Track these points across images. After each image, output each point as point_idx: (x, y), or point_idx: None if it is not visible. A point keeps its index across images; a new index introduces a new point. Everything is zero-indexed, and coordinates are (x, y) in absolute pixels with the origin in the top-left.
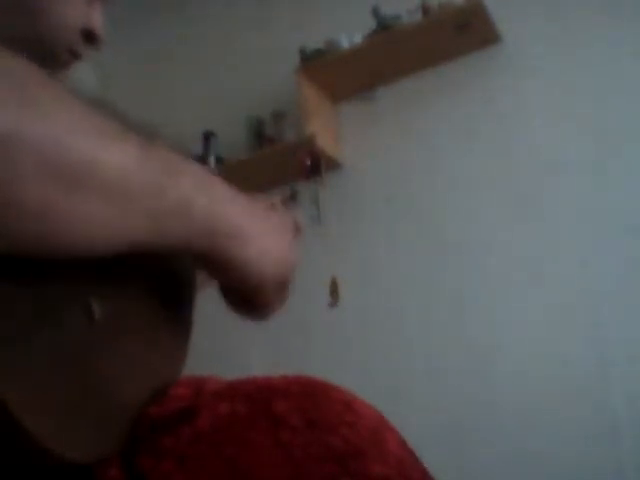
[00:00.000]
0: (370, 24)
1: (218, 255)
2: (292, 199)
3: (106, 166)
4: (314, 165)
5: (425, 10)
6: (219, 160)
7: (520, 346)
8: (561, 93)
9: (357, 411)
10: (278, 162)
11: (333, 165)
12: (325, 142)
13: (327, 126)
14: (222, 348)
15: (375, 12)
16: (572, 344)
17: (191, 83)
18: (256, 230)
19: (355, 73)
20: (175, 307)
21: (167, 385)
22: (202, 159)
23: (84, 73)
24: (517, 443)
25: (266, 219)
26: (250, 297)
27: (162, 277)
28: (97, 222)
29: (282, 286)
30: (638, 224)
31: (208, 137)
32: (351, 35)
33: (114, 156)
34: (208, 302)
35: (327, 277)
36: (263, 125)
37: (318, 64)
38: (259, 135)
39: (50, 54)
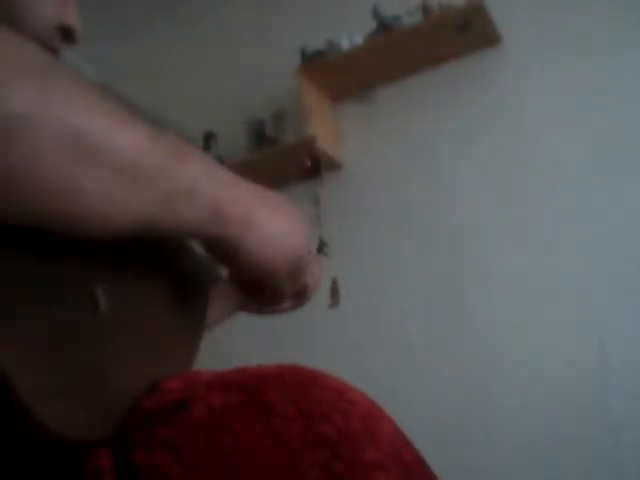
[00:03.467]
0: (370, 25)
1: (227, 242)
2: (319, 251)
3: (120, 147)
4: (314, 165)
5: (425, 11)
6: (219, 160)
7: (520, 346)
8: (561, 94)
9: (350, 399)
10: (278, 163)
11: (333, 165)
12: (325, 142)
13: (327, 126)
14: (222, 349)
15: (375, 13)
16: (572, 344)
17: (191, 83)
18: (264, 216)
19: (355, 73)
20: (186, 309)
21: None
22: None
23: (83, 73)
24: (517, 443)
25: (274, 205)
26: (260, 284)
27: (176, 279)
28: (112, 200)
29: (294, 273)
30: (638, 224)
31: (208, 138)
32: (351, 36)
33: (127, 138)
34: None
35: (327, 277)
36: (263, 126)
37: (318, 64)
38: (259, 136)
39: None
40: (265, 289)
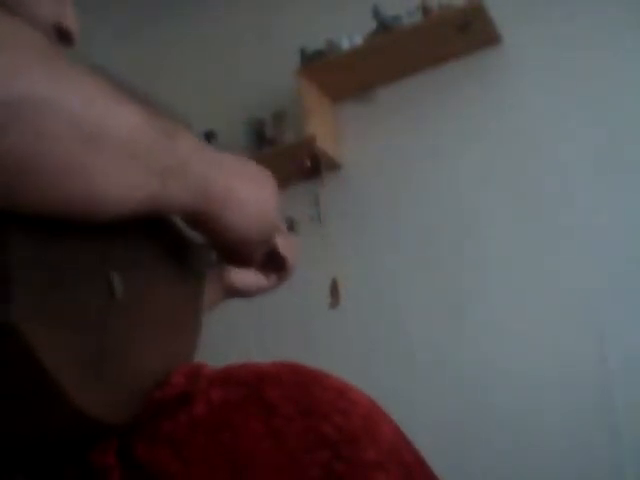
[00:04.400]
0: (370, 25)
1: (208, 217)
2: (290, 229)
3: (122, 126)
4: (314, 165)
5: (425, 11)
6: None
7: (520, 346)
8: (561, 93)
9: (350, 399)
10: (278, 163)
11: (333, 165)
12: (325, 142)
13: (327, 126)
14: (222, 349)
15: (375, 13)
16: (572, 344)
17: (191, 83)
18: (243, 192)
19: (355, 73)
20: (189, 291)
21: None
22: None
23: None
24: (517, 443)
25: (253, 179)
26: (235, 252)
27: (178, 262)
28: (114, 182)
29: (264, 242)
30: (638, 224)
31: (208, 138)
32: (351, 36)
33: (127, 118)
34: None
35: (327, 277)
36: (263, 126)
37: (318, 65)
38: (259, 136)
39: None
40: (238, 254)
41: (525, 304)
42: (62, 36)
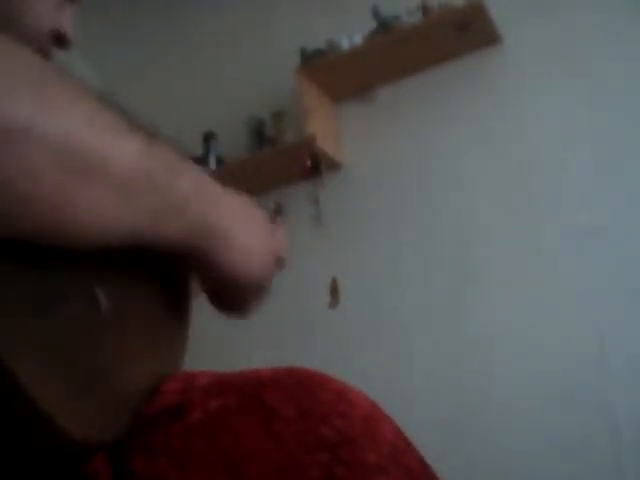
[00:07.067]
0: (370, 24)
1: (205, 256)
2: (277, 213)
3: (115, 160)
4: (314, 165)
5: (425, 10)
6: (219, 160)
7: (520, 346)
8: (561, 93)
9: (350, 400)
10: (278, 162)
11: (333, 165)
12: (325, 142)
13: (327, 126)
14: (222, 350)
15: (375, 12)
16: (572, 344)
17: (191, 83)
18: (241, 233)
19: (355, 73)
20: (174, 304)
21: (165, 378)
22: (202, 160)
23: (84, 73)
24: (517, 443)
25: (252, 221)
26: (229, 297)
27: (163, 275)
28: (102, 215)
29: (260, 288)
30: (638, 224)
31: (208, 138)
32: (351, 35)
33: (122, 151)
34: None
35: (327, 277)
36: (263, 125)
37: (318, 64)
38: (259, 135)
39: None
40: (231, 301)
41: (525, 304)
42: (59, 41)
